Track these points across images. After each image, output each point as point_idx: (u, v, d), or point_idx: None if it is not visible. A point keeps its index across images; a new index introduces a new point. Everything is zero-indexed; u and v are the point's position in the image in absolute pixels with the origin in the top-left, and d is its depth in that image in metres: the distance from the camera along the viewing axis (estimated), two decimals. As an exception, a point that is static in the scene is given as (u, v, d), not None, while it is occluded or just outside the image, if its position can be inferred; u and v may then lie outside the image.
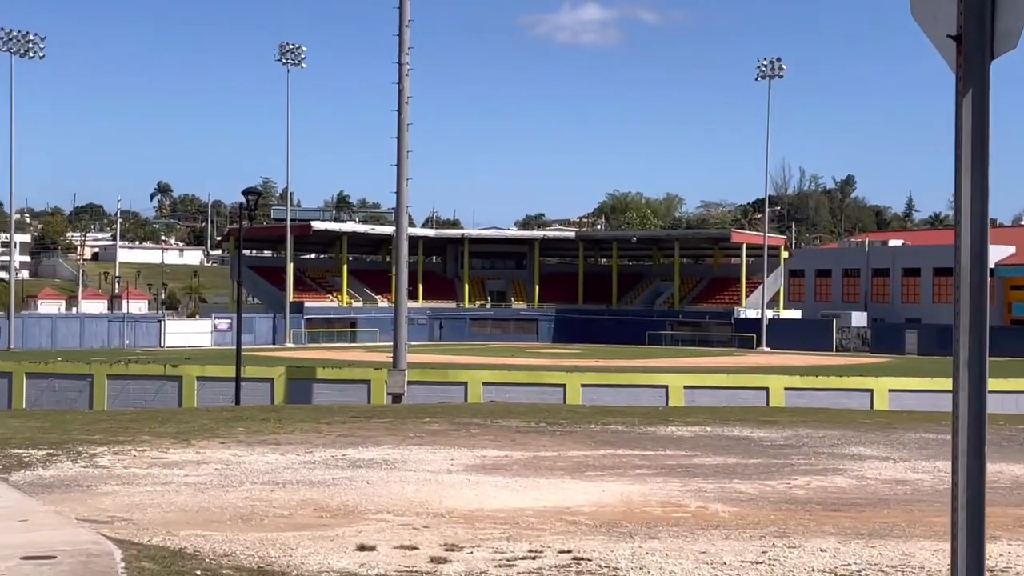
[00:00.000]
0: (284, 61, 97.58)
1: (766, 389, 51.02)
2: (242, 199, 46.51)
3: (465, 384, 51.90)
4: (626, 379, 52.41)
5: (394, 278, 52.02)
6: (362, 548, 12.33)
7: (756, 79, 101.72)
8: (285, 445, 23.06)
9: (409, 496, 16.21)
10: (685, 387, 51.45)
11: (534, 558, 11.99)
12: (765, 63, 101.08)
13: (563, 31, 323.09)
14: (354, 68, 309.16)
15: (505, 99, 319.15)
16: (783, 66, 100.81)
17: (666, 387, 51.41)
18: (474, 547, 12.57)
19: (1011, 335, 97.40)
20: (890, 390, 50.57)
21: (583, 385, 51.34)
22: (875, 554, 12.45)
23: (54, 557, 10.81)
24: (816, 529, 14.02)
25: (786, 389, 50.97)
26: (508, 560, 11.83)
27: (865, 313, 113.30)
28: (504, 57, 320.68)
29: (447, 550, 12.36)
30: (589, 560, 11.85)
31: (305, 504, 15.43)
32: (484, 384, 51.75)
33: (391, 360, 51.93)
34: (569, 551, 12.35)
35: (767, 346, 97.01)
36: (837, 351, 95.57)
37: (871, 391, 50.61)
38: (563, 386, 51.30)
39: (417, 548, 12.43)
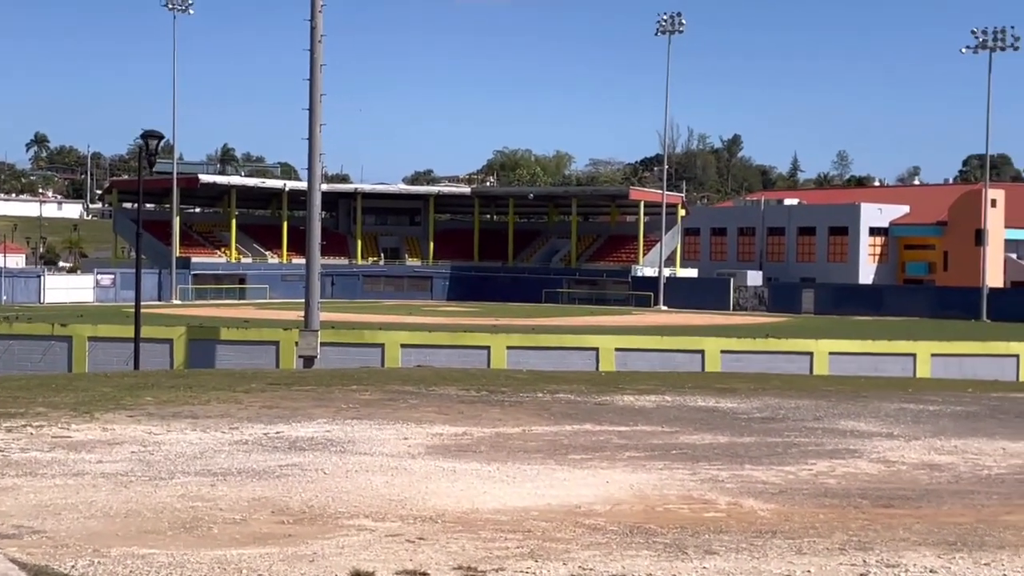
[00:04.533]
0: (171, 6, 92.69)
1: (702, 352, 48.63)
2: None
3: (382, 346, 48.66)
4: (554, 341, 49.66)
5: (307, 230, 48.57)
6: (357, 575, 9.56)
7: (656, 34, 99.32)
8: (204, 419, 20.09)
9: (381, 491, 13.41)
10: (616, 350, 48.94)
11: (583, 588, 9.36)
12: (665, 17, 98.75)
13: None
14: (237, 16, 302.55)
15: (391, 53, 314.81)
16: (683, 21, 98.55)
17: (596, 349, 48.78)
18: (497, 570, 9.86)
19: (904, 294, 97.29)
20: (830, 353, 48.61)
21: (509, 347, 48.49)
22: None
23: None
24: (891, 536, 11.55)
25: (722, 352, 48.75)
26: (550, 591, 9.18)
27: (760, 272, 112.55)
28: (390, 9, 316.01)
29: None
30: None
31: (259, 504, 12.54)
32: (403, 346, 48.64)
33: (302, 319, 48.41)
34: (623, 576, 9.71)
35: (664, 304, 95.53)
36: (734, 310, 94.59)
37: (811, 354, 48.52)
38: (487, 348, 48.37)
39: (427, 574, 9.69)
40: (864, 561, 10.41)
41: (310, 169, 48.49)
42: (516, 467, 15.41)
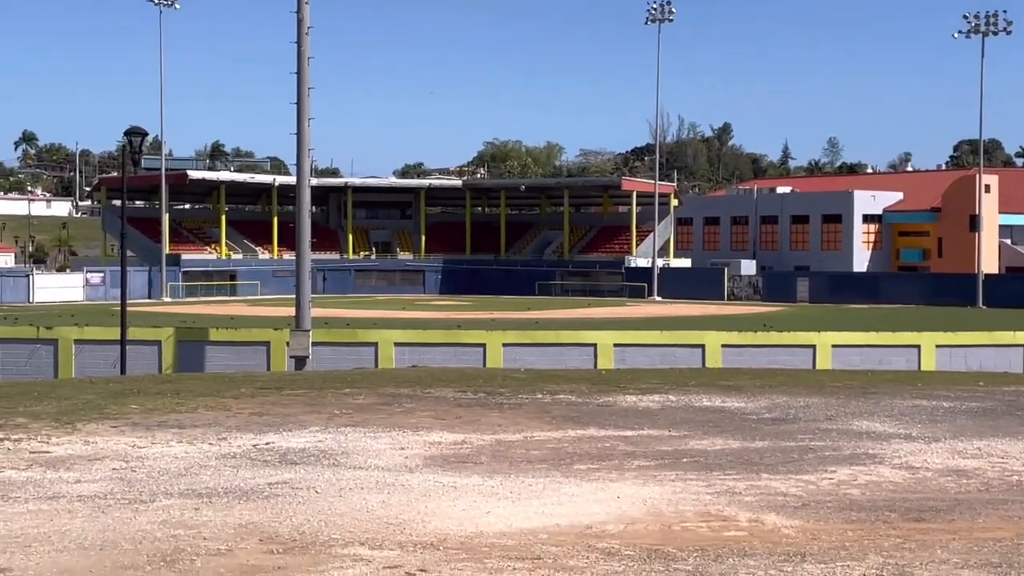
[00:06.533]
0: (156, 2, 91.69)
1: (702, 347, 47.72)
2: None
3: (375, 345, 47.69)
4: (551, 337, 48.71)
5: (296, 227, 47.60)
6: (354, 617, 8.71)
7: (646, 23, 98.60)
8: (191, 429, 19.21)
9: (377, 513, 12.53)
10: (615, 345, 48.01)
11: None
12: (655, 6, 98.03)
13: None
14: (224, 9, 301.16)
15: (379, 44, 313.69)
16: (673, 10, 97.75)
17: (594, 345, 47.85)
18: (506, 607, 9.02)
19: (899, 281, 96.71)
20: (833, 346, 47.72)
21: (505, 344, 47.57)
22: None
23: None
24: (929, 557, 10.71)
25: (723, 346, 47.86)
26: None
27: (754, 261, 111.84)
28: (377, 1, 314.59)
29: (474, 616, 8.81)
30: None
31: (246, 531, 11.65)
32: (396, 345, 47.69)
33: (294, 318, 47.29)
34: (645, 613, 8.87)
35: (658, 295, 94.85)
36: (729, 300, 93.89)
37: (813, 347, 47.65)
38: (483, 346, 47.43)
39: (431, 614, 8.85)
40: (907, 590, 9.58)
41: (298, 165, 47.53)
42: (520, 481, 14.54)
